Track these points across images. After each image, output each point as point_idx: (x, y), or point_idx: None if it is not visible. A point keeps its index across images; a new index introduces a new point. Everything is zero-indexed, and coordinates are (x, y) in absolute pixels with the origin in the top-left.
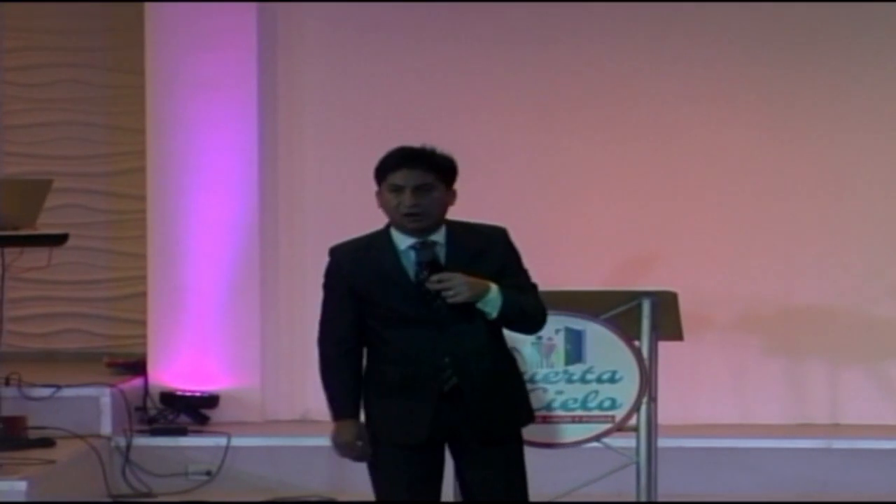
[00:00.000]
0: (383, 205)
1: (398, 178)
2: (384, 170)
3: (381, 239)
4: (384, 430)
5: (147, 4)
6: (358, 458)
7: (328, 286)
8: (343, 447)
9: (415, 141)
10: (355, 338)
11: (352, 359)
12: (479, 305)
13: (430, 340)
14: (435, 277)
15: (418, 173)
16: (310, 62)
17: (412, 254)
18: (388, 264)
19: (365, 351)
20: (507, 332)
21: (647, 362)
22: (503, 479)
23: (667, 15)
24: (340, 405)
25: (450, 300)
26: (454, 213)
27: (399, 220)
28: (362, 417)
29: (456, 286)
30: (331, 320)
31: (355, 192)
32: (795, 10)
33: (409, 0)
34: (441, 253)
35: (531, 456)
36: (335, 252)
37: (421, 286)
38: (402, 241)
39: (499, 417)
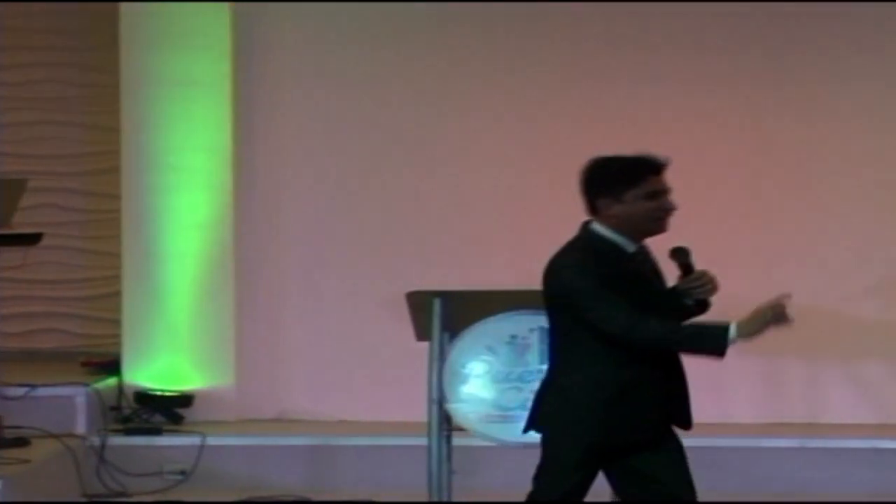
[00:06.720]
0: (629, 211)
1: (656, 183)
2: (640, 176)
3: (607, 246)
4: (615, 431)
5: (121, 4)
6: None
7: (588, 292)
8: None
9: (396, 142)
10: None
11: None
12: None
13: None
14: (695, 275)
15: (664, 178)
16: (286, 62)
17: (640, 257)
18: (637, 269)
19: (584, 359)
20: (485, 330)
21: None
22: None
23: (671, 18)
24: (709, 328)
25: (700, 296)
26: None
27: (650, 224)
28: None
29: (711, 281)
30: (614, 306)
31: (333, 191)
32: (797, 11)
33: (387, 0)
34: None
35: (522, 457)
36: (577, 263)
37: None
38: (629, 246)
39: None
